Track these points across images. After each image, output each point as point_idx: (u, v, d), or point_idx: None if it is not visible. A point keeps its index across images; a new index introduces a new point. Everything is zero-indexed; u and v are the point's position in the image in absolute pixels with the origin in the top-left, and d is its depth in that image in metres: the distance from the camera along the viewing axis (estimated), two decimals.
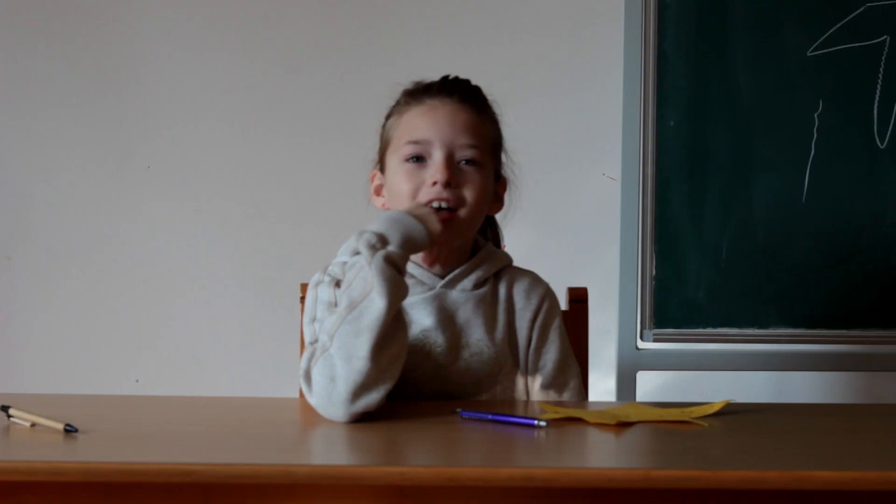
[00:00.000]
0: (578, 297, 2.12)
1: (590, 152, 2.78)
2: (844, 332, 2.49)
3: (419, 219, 1.74)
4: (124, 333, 2.82)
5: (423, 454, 1.49)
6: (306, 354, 1.67)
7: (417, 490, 1.34)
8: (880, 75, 2.47)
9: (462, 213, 1.81)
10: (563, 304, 2.13)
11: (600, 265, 2.71)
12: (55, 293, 2.83)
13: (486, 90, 2.06)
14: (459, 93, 1.86)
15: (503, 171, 1.93)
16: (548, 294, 1.92)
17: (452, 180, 1.80)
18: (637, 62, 2.48)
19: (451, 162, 1.81)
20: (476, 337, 1.85)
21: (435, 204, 1.80)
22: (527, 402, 1.86)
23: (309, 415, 1.68)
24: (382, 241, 1.69)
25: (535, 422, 1.56)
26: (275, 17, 2.80)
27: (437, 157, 1.81)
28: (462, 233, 1.84)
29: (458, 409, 1.64)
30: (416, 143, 1.82)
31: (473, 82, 1.92)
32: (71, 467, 1.34)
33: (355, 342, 1.61)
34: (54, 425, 1.50)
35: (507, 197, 1.95)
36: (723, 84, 2.49)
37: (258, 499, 1.35)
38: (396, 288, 1.64)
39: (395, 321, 1.65)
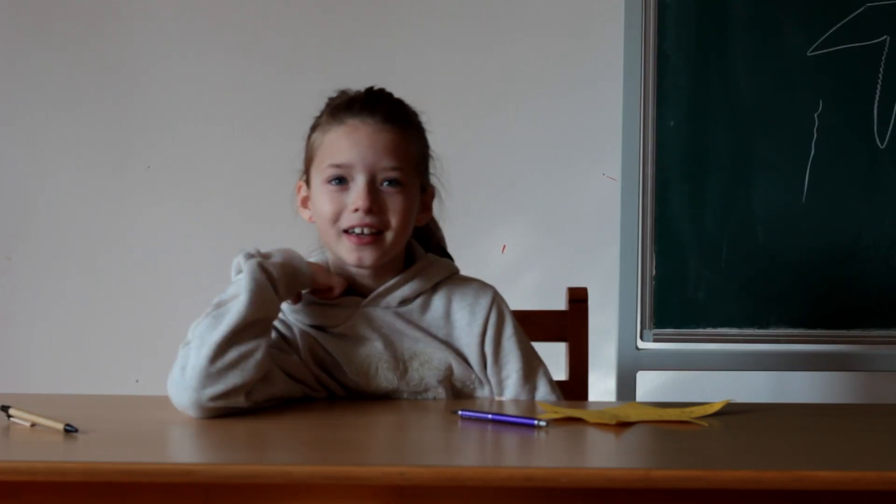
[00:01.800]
0: (578, 297, 2.12)
1: (590, 152, 2.78)
2: (844, 332, 2.49)
3: (312, 269, 1.81)
4: (124, 333, 2.82)
5: (423, 454, 1.49)
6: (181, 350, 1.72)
7: (417, 490, 1.35)
8: (880, 75, 2.47)
9: (388, 235, 1.80)
10: (563, 305, 2.13)
11: (600, 265, 2.71)
12: (55, 293, 2.83)
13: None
14: (382, 111, 1.82)
15: (431, 181, 1.90)
16: (493, 302, 1.87)
17: (374, 206, 1.78)
18: (637, 62, 2.48)
19: (372, 186, 1.79)
20: (420, 346, 1.84)
21: (357, 230, 1.79)
22: (527, 402, 1.86)
23: (309, 415, 1.68)
24: (264, 256, 1.78)
25: (535, 422, 1.56)
26: (275, 18, 2.80)
27: (359, 182, 1.79)
28: (388, 253, 1.82)
29: (458, 409, 1.64)
30: (337, 166, 1.80)
31: (397, 95, 1.88)
32: (71, 467, 1.34)
33: (211, 333, 1.68)
34: (54, 425, 1.50)
35: (436, 203, 1.92)
36: (723, 84, 2.49)
37: (258, 499, 1.35)
38: (262, 291, 1.71)
39: (257, 328, 1.69)
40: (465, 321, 1.86)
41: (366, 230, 1.79)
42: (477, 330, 1.86)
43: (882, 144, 2.48)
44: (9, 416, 1.55)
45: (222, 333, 1.67)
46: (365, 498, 1.36)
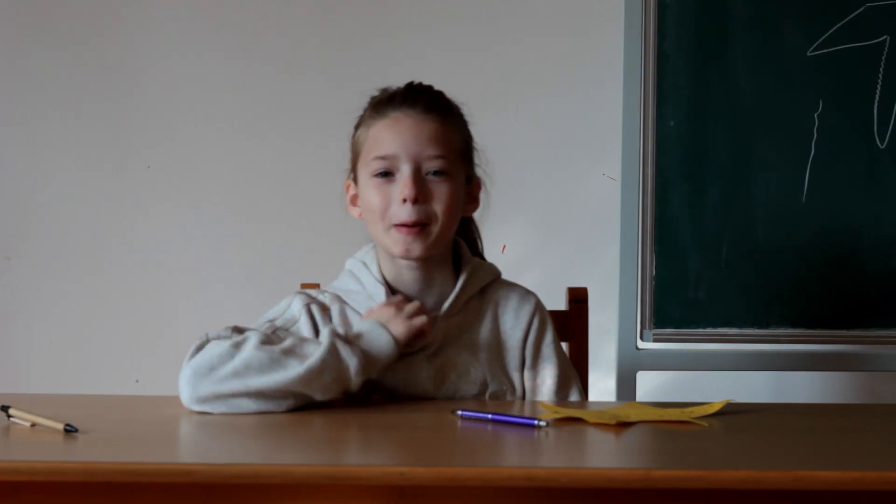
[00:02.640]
0: (578, 297, 2.12)
1: (590, 152, 2.78)
2: (844, 332, 2.49)
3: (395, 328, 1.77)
4: (124, 333, 2.82)
5: (423, 454, 1.49)
6: (221, 331, 1.73)
7: (417, 490, 1.35)
8: (880, 75, 2.47)
9: (434, 227, 1.81)
10: (563, 304, 2.13)
11: (600, 265, 2.71)
12: (55, 293, 2.83)
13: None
14: (423, 102, 1.84)
15: (476, 172, 1.92)
16: (537, 309, 1.91)
17: (420, 196, 1.79)
18: (637, 62, 2.48)
19: (418, 176, 1.80)
20: (462, 358, 1.85)
21: (407, 223, 1.79)
22: (527, 402, 1.86)
23: (309, 415, 1.68)
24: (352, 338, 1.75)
25: (535, 422, 1.56)
26: (275, 18, 2.80)
27: (404, 172, 1.80)
28: (436, 244, 1.82)
29: (458, 409, 1.64)
30: (382, 158, 1.81)
31: (437, 88, 1.89)
32: (71, 467, 1.34)
33: (257, 376, 1.66)
34: (54, 425, 1.50)
35: (482, 195, 1.93)
36: (723, 84, 2.49)
37: (258, 499, 1.35)
38: (322, 388, 1.69)
39: (295, 399, 1.68)
40: (509, 324, 1.89)
41: (413, 220, 1.79)
42: (520, 333, 1.89)
43: (882, 144, 2.48)
44: (9, 416, 1.55)
45: (264, 385, 1.66)
46: (365, 498, 1.36)
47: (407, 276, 1.85)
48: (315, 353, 1.69)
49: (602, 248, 2.72)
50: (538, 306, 1.91)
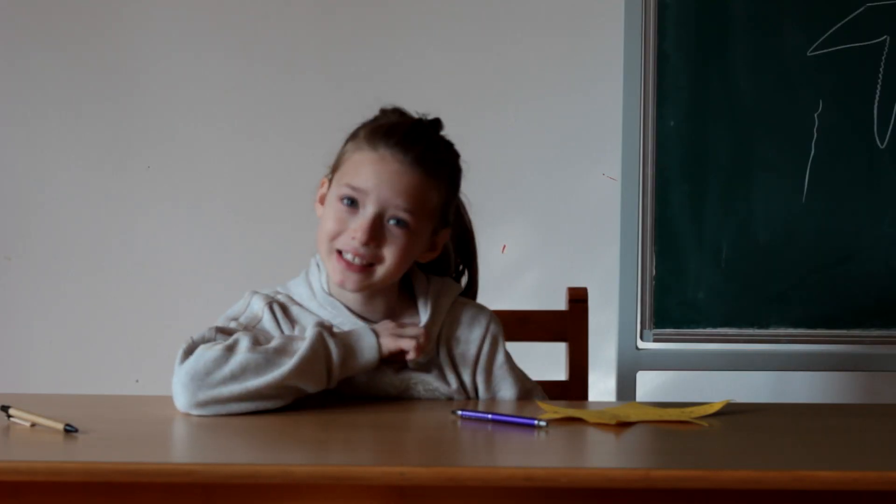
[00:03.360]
0: (578, 297, 2.12)
1: (590, 152, 2.78)
2: (844, 332, 2.49)
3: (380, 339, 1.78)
4: (124, 333, 2.82)
5: (423, 454, 1.49)
6: (206, 333, 1.74)
7: (417, 490, 1.35)
8: (880, 75, 2.47)
9: (378, 268, 1.79)
10: (563, 305, 2.13)
11: (600, 265, 2.71)
12: (55, 293, 2.83)
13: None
14: (416, 152, 1.79)
15: (449, 223, 1.88)
16: (487, 332, 1.88)
17: (373, 241, 1.77)
18: (637, 62, 2.47)
19: (378, 221, 1.77)
20: (430, 377, 1.84)
21: (348, 256, 1.78)
22: (527, 402, 1.86)
23: (309, 415, 1.68)
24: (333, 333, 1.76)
25: (535, 422, 1.56)
26: (275, 19, 2.80)
27: (367, 212, 1.78)
28: (373, 286, 1.80)
29: (458, 410, 1.64)
30: (353, 188, 1.79)
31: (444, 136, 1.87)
32: (71, 467, 1.34)
33: (255, 377, 1.67)
34: (54, 425, 1.50)
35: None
36: (723, 84, 2.49)
37: (258, 499, 1.36)
38: (314, 378, 1.71)
39: (288, 394, 1.70)
40: (461, 348, 1.87)
41: (357, 259, 1.78)
42: (470, 360, 1.87)
43: (882, 144, 2.48)
44: (9, 416, 1.55)
45: (262, 383, 1.68)
46: (365, 498, 1.36)
47: (348, 294, 1.84)
48: (304, 344, 1.71)
49: (602, 248, 2.72)
50: (488, 328, 1.88)
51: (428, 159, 1.81)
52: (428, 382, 1.84)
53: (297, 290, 1.88)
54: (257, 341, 1.72)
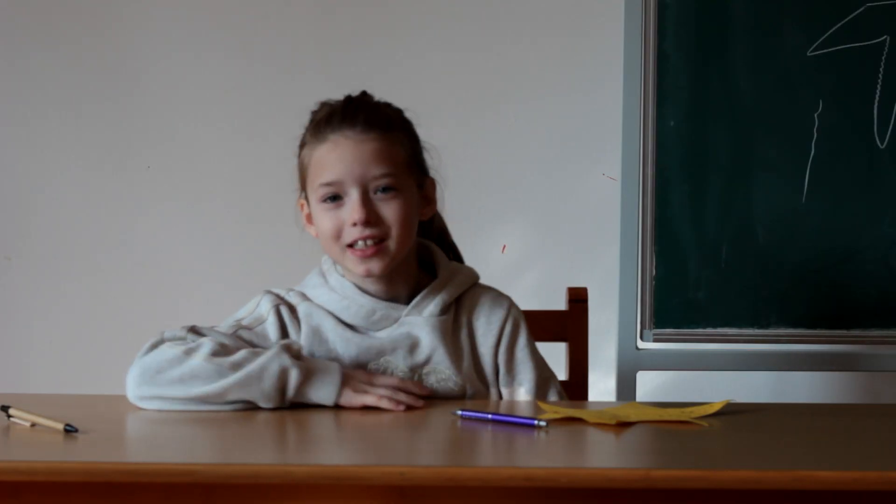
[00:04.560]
0: (578, 297, 2.12)
1: (590, 152, 2.78)
2: (844, 332, 2.49)
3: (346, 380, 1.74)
4: (124, 333, 2.81)
5: (423, 454, 1.49)
6: (178, 331, 1.77)
7: (417, 490, 1.35)
8: (880, 75, 2.47)
9: (390, 242, 1.80)
10: (563, 305, 2.13)
11: (600, 265, 2.71)
12: (55, 293, 2.83)
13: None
14: (361, 120, 1.81)
15: (429, 173, 1.89)
16: (509, 314, 1.90)
17: (371, 217, 1.78)
18: (637, 62, 2.47)
19: (366, 198, 1.79)
20: (443, 364, 1.84)
21: (360, 244, 1.79)
22: (527, 402, 1.86)
23: (309, 415, 1.68)
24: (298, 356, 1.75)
25: (535, 422, 1.56)
26: (275, 18, 2.80)
27: (352, 196, 1.79)
28: (395, 259, 1.81)
29: (458, 410, 1.64)
30: (328, 184, 1.80)
31: (376, 97, 1.88)
32: (71, 467, 1.34)
33: (202, 385, 1.68)
34: (54, 425, 1.50)
35: (438, 192, 1.91)
36: (723, 84, 2.49)
37: (258, 499, 1.36)
38: (263, 396, 1.70)
39: (235, 405, 1.71)
40: (481, 331, 1.88)
41: (368, 242, 1.79)
42: (491, 340, 1.88)
43: (882, 144, 2.48)
44: (9, 416, 1.55)
45: (202, 392, 1.69)
46: (365, 498, 1.36)
47: (369, 284, 1.85)
48: (255, 361, 1.70)
49: (602, 248, 2.72)
50: (510, 310, 1.90)
51: (375, 121, 1.82)
52: (440, 372, 1.84)
53: (311, 282, 1.89)
54: (224, 349, 1.72)
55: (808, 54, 2.48)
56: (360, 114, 1.83)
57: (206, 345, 1.72)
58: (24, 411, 1.54)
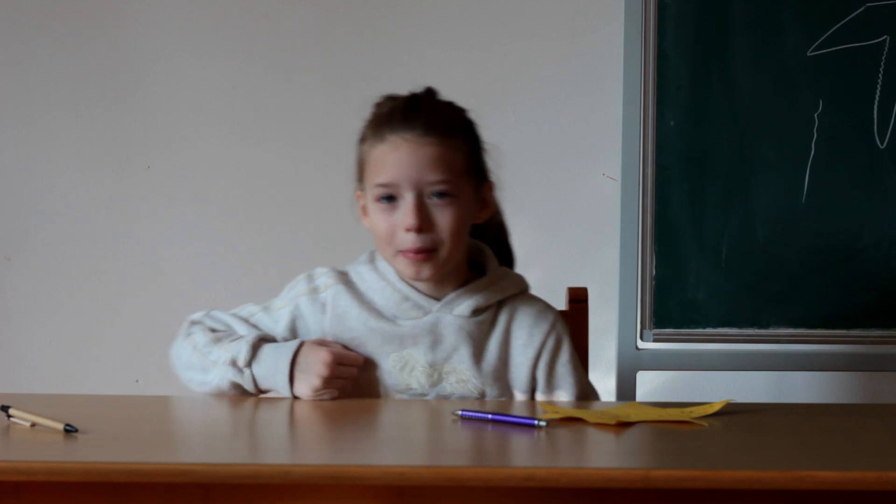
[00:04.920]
0: (578, 297, 2.12)
1: (590, 152, 2.78)
2: (844, 332, 2.49)
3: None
4: (124, 333, 2.82)
5: (423, 454, 1.49)
6: (201, 315, 1.92)
7: (417, 490, 1.35)
8: (880, 75, 2.47)
9: (441, 251, 1.79)
10: (563, 304, 2.13)
11: (600, 265, 2.71)
12: (55, 293, 2.83)
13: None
14: (421, 123, 1.80)
15: (488, 176, 1.89)
16: (553, 328, 1.89)
17: (424, 224, 1.78)
18: (637, 62, 2.47)
19: (420, 203, 1.78)
20: (464, 365, 1.84)
21: (410, 252, 1.79)
22: (526, 402, 1.86)
23: (309, 415, 1.68)
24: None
25: (535, 422, 1.56)
26: (276, 19, 2.80)
27: (407, 200, 1.78)
28: (445, 265, 1.81)
29: (458, 410, 1.64)
30: (384, 185, 1.80)
31: (442, 96, 1.88)
32: (71, 467, 1.34)
33: (198, 373, 1.86)
34: (54, 425, 1.50)
35: (499, 194, 1.91)
36: (723, 84, 2.49)
37: (258, 499, 1.36)
38: (241, 389, 1.84)
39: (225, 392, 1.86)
40: (521, 341, 1.87)
41: (420, 248, 1.78)
42: (531, 353, 1.87)
43: (882, 144, 2.48)
44: (9, 416, 1.55)
45: (199, 383, 1.88)
46: (365, 498, 1.36)
47: (421, 283, 1.85)
48: (213, 371, 1.84)
49: (602, 248, 2.72)
50: (554, 325, 1.89)
51: (435, 125, 1.81)
52: (461, 372, 1.83)
53: (360, 259, 1.91)
54: (213, 335, 1.87)
55: (808, 54, 2.48)
56: (420, 116, 1.81)
57: (197, 333, 1.88)
58: (24, 411, 1.54)
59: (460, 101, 1.91)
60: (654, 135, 2.47)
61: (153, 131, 2.81)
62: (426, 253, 1.79)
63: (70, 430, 1.48)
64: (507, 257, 2.01)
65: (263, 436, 1.57)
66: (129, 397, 1.88)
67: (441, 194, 1.79)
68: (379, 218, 1.81)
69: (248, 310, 1.93)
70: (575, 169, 2.79)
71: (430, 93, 1.87)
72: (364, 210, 1.87)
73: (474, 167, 1.86)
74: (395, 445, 1.54)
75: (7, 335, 2.83)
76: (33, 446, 1.45)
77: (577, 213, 2.79)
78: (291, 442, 1.56)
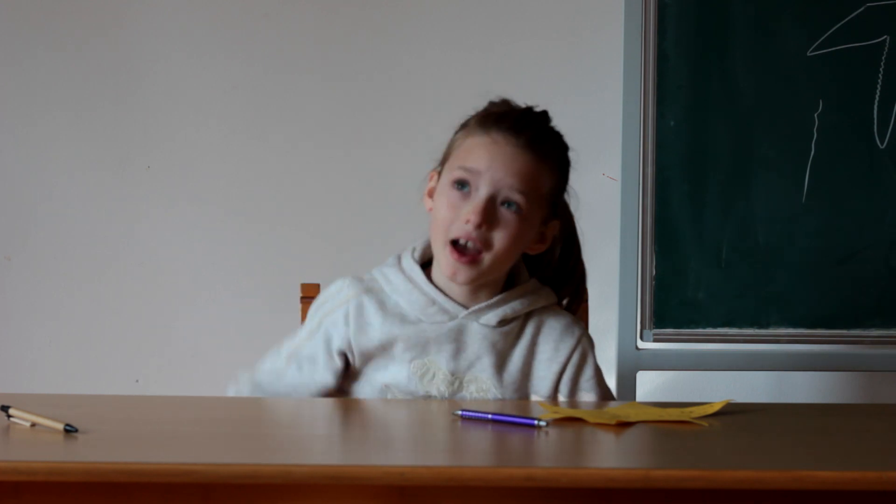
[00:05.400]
0: None
1: (590, 152, 2.76)
2: (844, 332, 2.49)
3: None
4: (124, 333, 2.82)
5: (423, 454, 1.49)
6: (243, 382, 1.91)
7: (417, 490, 1.35)
8: (880, 75, 2.47)
9: (486, 256, 1.78)
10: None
11: (600, 265, 2.70)
12: (55, 293, 2.83)
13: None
14: (528, 135, 1.82)
15: (558, 216, 1.89)
16: (580, 343, 1.87)
17: (486, 223, 1.77)
18: (637, 62, 2.48)
19: (491, 203, 1.78)
20: (486, 374, 1.83)
21: (462, 241, 1.77)
22: (527, 402, 1.86)
23: (309, 415, 1.68)
24: None
25: (535, 422, 1.56)
26: (276, 19, 2.80)
27: (480, 194, 1.78)
28: (484, 275, 1.80)
29: (458, 410, 1.64)
30: (466, 170, 1.79)
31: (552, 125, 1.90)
32: (71, 467, 1.34)
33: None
34: (54, 425, 1.50)
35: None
36: (723, 84, 2.49)
37: (258, 499, 1.36)
38: None
39: None
40: (546, 355, 1.86)
41: (469, 244, 1.77)
42: (556, 367, 1.86)
43: (882, 144, 2.48)
44: (9, 416, 1.54)
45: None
46: (365, 498, 1.36)
47: (455, 288, 1.84)
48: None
49: (602, 248, 2.71)
50: (580, 341, 1.88)
51: (539, 143, 1.83)
52: (482, 381, 1.83)
53: (388, 262, 1.88)
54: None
55: (809, 54, 2.48)
56: (530, 128, 1.83)
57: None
58: (24, 411, 1.54)
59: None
60: (654, 135, 2.48)
61: (153, 131, 2.81)
62: (472, 255, 1.77)
63: (70, 430, 1.48)
64: (576, 298, 1.98)
65: (263, 436, 1.57)
66: (129, 397, 1.88)
67: (512, 204, 1.79)
68: (445, 203, 1.80)
69: (285, 354, 1.88)
70: (575, 169, 2.78)
71: (545, 113, 1.90)
72: (430, 192, 1.86)
73: (552, 199, 1.86)
74: (395, 445, 1.54)
75: (7, 335, 2.83)
76: (33, 446, 1.45)
77: (577, 213, 2.78)
78: (291, 442, 1.56)
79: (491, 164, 1.79)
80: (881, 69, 2.47)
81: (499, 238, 1.78)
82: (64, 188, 2.82)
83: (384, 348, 1.82)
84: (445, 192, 1.81)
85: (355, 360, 1.83)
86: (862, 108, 2.48)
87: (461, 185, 1.79)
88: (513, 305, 1.85)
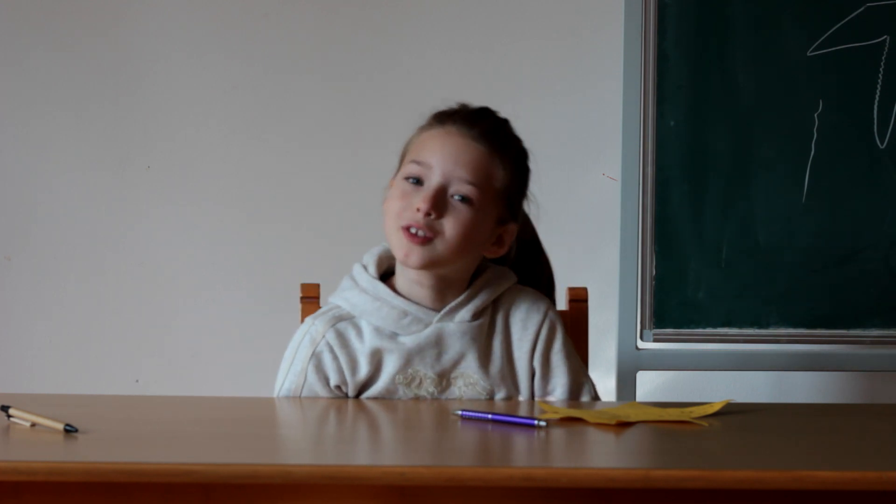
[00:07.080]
0: (578, 297, 2.12)
1: (590, 152, 2.78)
2: (844, 332, 2.49)
3: None
4: (124, 333, 2.82)
5: (423, 454, 1.49)
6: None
7: (417, 490, 1.35)
8: (880, 75, 2.47)
9: (438, 243, 1.77)
10: (563, 304, 2.13)
11: (600, 265, 2.71)
12: (55, 293, 2.83)
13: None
14: (481, 127, 1.82)
15: (517, 219, 1.88)
16: (546, 317, 1.88)
17: (436, 211, 1.77)
18: (637, 62, 2.48)
19: (441, 192, 1.77)
20: (472, 369, 1.83)
21: (413, 230, 1.77)
22: (527, 402, 1.86)
23: (309, 415, 1.68)
24: None
25: (535, 422, 1.56)
26: (276, 18, 2.80)
27: (430, 184, 1.78)
28: (437, 261, 1.79)
29: (458, 410, 1.64)
30: (418, 163, 1.80)
31: (500, 115, 1.89)
32: (71, 467, 1.34)
33: None
34: (54, 425, 1.50)
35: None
36: (723, 84, 2.49)
37: (258, 499, 1.36)
38: None
39: None
40: (517, 335, 1.87)
41: (420, 232, 1.77)
42: (527, 345, 1.87)
43: (882, 144, 2.48)
44: (9, 416, 1.55)
45: None
46: (365, 498, 1.36)
47: (418, 291, 1.84)
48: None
49: (602, 248, 2.71)
50: (546, 314, 1.88)
51: (493, 135, 1.83)
52: (469, 376, 1.83)
53: (343, 285, 1.87)
54: None
55: (808, 54, 2.48)
56: (483, 122, 1.84)
57: None
58: (24, 411, 1.54)
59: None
60: (654, 135, 2.48)
61: (153, 131, 2.81)
62: (423, 238, 1.76)
63: (70, 430, 1.48)
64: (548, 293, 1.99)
65: (263, 436, 1.57)
66: (129, 397, 1.88)
67: (463, 198, 1.78)
68: (398, 193, 1.80)
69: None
70: (575, 169, 2.79)
71: (505, 120, 1.90)
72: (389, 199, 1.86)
73: (508, 198, 1.85)
74: (395, 445, 1.54)
75: (7, 335, 2.83)
76: (33, 446, 1.45)
77: (577, 213, 2.79)
78: (291, 442, 1.56)
79: (442, 155, 1.79)
80: (881, 69, 2.47)
81: (449, 226, 1.78)
82: (64, 188, 2.82)
83: (374, 371, 1.82)
84: (399, 185, 1.82)
85: (349, 392, 1.84)
86: (862, 108, 2.48)
87: (414, 179, 1.80)
88: (482, 297, 1.85)
